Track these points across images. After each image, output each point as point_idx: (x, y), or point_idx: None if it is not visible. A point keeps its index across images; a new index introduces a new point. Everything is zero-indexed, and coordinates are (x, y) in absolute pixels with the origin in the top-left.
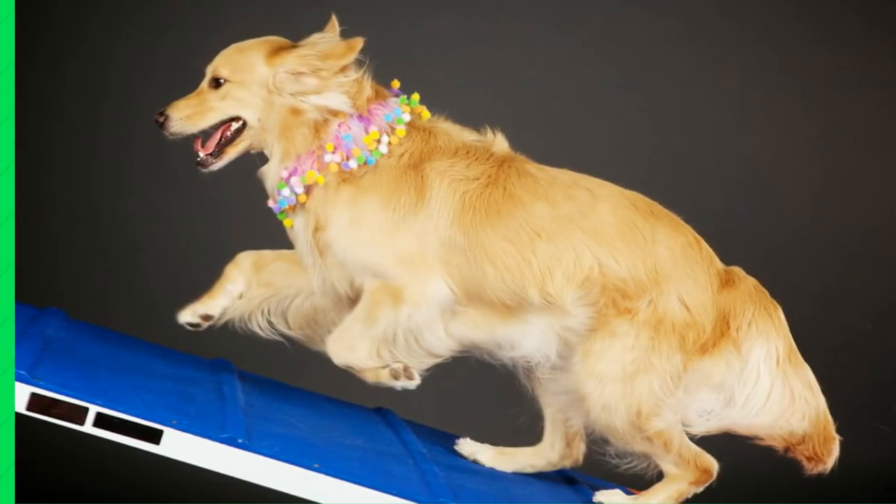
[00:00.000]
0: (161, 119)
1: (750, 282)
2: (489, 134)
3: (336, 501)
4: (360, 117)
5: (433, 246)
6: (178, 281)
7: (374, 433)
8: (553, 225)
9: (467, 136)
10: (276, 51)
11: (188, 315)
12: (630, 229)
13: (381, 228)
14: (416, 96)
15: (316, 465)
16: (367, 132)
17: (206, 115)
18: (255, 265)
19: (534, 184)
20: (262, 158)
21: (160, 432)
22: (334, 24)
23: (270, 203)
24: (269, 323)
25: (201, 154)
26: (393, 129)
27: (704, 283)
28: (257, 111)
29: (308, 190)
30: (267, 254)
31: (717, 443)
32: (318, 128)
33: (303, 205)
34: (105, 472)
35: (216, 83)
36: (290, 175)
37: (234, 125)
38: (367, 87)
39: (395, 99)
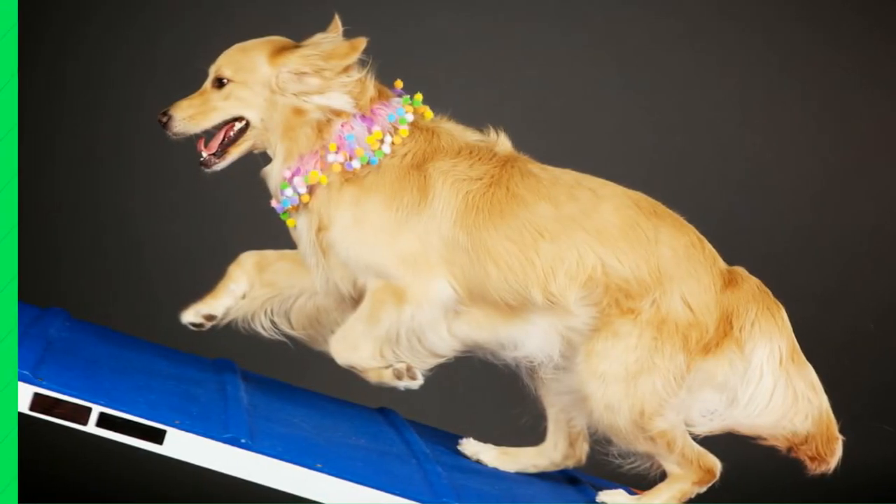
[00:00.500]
0: (164, 119)
1: (753, 282)
2: (492, 134)
3: (339, 501)
4: (363, 117)
5: (436, 246)
6: (181, 281)
7: (376, 433)
8: (556, 225)
9: (470, 135)
10: (279, 51)
11: (191, 315)
12: (633, 229)
13: (384, 228)
14: (419, 96)
15: (319, 465)
16: (370, 132)
17: (209, 115)
18: (258, 265)
19: (537, 184)
20: (265, 158)
21: (163, 432)
22: (337, 24)
23: (273, 203)
24: (272, 323)
25: (204, 154)
26: (396, 129)
27: (707, 283)
28: (260, 111)
29: (311, 190)
30: (270, 254)
31: (721, 443)
32: (321, 128)
33: (306, 205)
34: (108, 472)
35: (219, 83)
36: (293, 175)
37: (237, 125)
38: (370, 87)
39: (398, 99)
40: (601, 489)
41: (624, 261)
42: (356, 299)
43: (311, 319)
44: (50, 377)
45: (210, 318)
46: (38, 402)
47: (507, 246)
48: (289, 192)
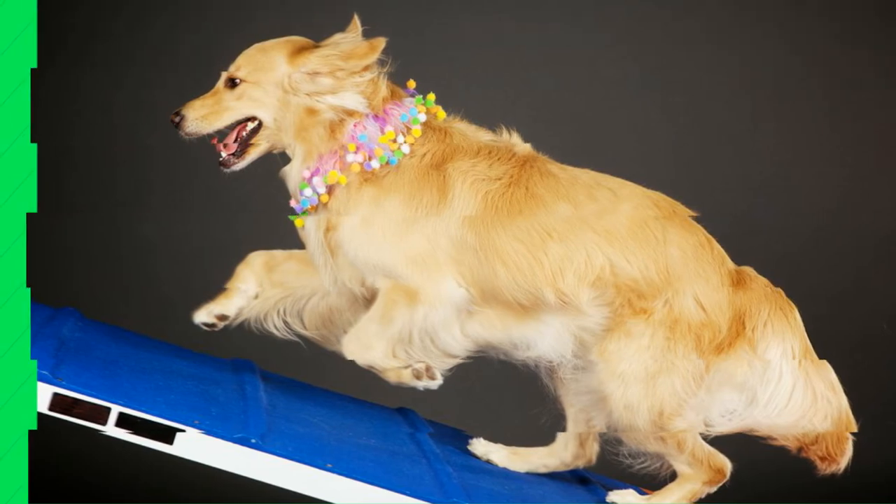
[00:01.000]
0: (177, 119)
1: (761, 281)
2: (504, 133)
3: (349, 501)
4: (376, 117)
5: (444, 246)
6: (193, 281)
7: (387, 433)
8: (564, 225)
9: (483, 135)
10: (299, 51)
11: (204, 315)
12: (642, 229)
13: (392, 229)
14: (431, 96)
15: (329, 465)
16: (382, 132)
17: (221, 115)
18: (267, 265)
19: (556, 184)
20: (282, 159)
21: (174, 433)
22: (356, 25)
23: (293, 203)
24: (285, 323)
25: (223, 154)
26: (409, 128)
27: (716, 283)
28: (273, 111)
29: (330, 190)
30: (278, 254)
31: (731, 443)
32: (334, 128)
33: (325, 205)
34: (119, 471)
35: (232, 83)
36: (313, 175)
37: (250, 125)
38: (383, 86)
39: (410, 99)
40: (611, 489)
41: (632, 261)
42: (369, 299)
43: (324, 319)
44: (69, 377)
45: (223, 318)
46: (58, 402)
47: (515, 246)
48: (308, 192)
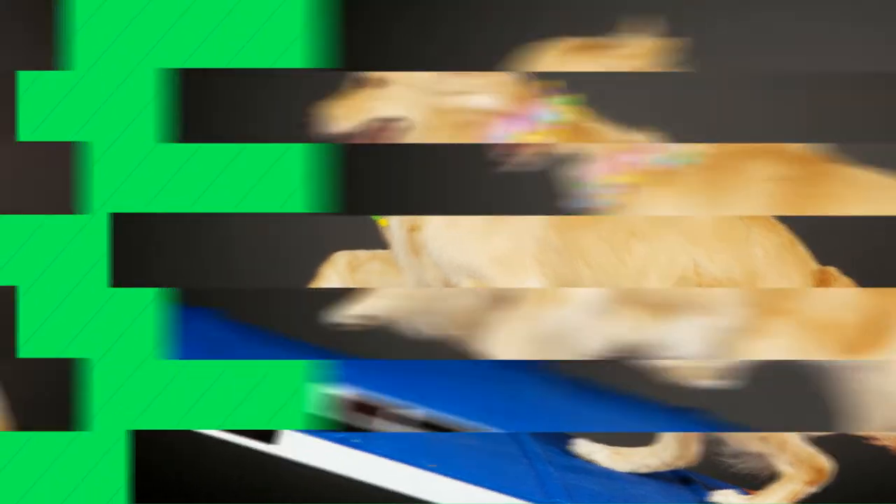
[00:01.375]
0: (309, 118)
1: (845, 282)
2: (654, 134)
3: (451, 501)
4: (519, 116)
5: (528, 246)
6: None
7: (485, 433)
8: (648, 224)
9: (633, 136)
10: (576, 49)
11: (342, 315)
12: (725, 229)
13: (477, 229)
14: (576, 96)
15: (433, 466)
16: (525, 132)
17: (357, 114)
18: (350, 265)
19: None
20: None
21: (275, 431)
22: (651, 27)
23: (575, 203)
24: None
25: (497, 153)
26: (552, 129)
27: (799, 283)
28: (410, 110)
29: (621, 189)
30: (362, 254)
31: (833, 443)
32: (475, 127)
33: (622, 205)
34: (221, 472)
35: (367, 82)
36: (596, 173)
37: (393, 125)
38: (527, 85)
39: (556, 98)
40: (714, 489)
41: (716, 260)
42: (500, 300)
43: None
44: (361, 381)
45: (365, 318)
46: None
47: (599, 245)
48: (602, 190)
